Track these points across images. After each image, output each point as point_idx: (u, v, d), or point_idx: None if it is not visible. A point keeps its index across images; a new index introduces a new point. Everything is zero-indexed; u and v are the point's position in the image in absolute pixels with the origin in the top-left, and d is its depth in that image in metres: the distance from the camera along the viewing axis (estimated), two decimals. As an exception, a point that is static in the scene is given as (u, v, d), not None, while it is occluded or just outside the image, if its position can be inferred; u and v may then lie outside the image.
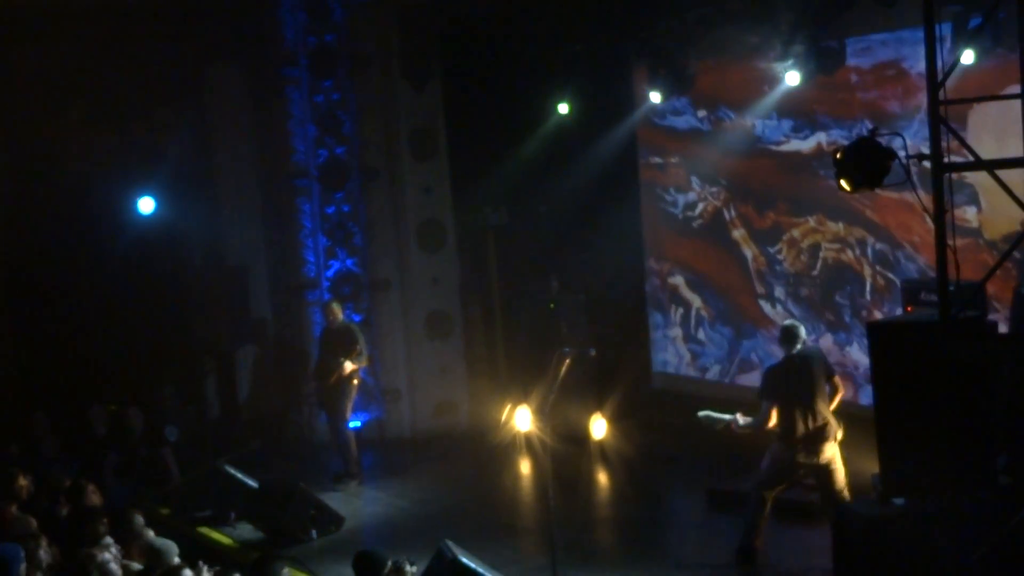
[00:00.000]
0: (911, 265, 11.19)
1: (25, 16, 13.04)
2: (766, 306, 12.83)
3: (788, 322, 9.98)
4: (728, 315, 13.29)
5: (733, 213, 13.10)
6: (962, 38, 9.55)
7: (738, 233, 13.06)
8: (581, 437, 12.98)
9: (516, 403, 13.64)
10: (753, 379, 12.68)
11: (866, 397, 10.97)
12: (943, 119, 7.63)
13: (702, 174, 13.24)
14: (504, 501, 12.19)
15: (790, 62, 11.04)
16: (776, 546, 9.77)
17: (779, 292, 12.68)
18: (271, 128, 14.71)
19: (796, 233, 12.46)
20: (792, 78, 11.23)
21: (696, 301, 13.62)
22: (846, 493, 9.42)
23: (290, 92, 14.50)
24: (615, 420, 13.19)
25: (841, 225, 11.97)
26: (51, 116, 13.89)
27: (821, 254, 12.21)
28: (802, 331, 9.63)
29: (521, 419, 13.52)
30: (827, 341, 12.17)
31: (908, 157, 7.99)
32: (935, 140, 7.61)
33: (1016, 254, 9.16)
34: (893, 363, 7.82)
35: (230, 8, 14.23)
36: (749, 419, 9.58)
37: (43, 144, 14.08)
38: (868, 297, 11.80)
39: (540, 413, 12.87)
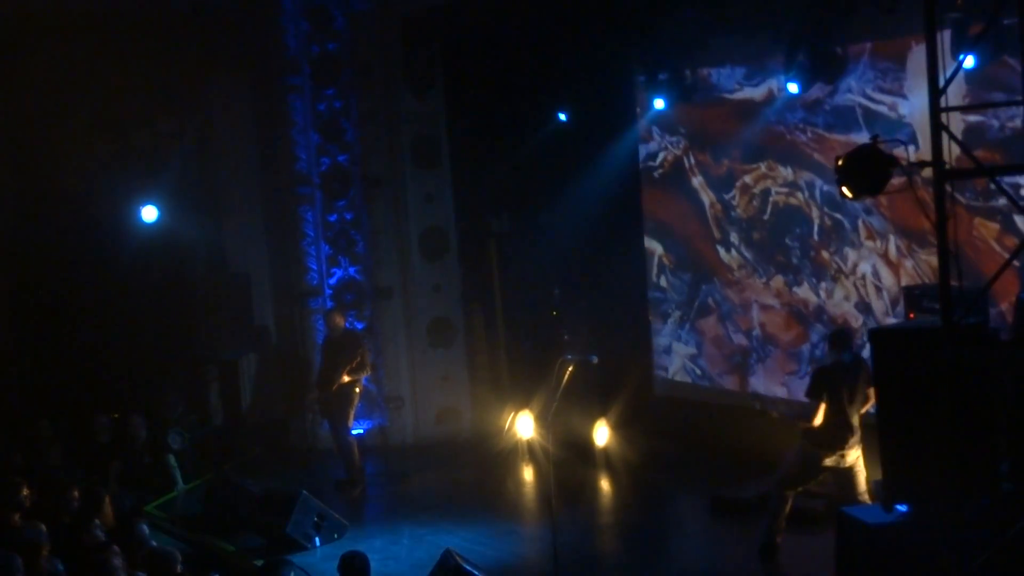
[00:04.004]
0: (858, 205, 11.25)
1: (28, 25, 13.08)
2: (722, 251, 13.05)
3: (841, 326, 10.10)
4: (688, 262, 13.47)
5: (692, 161, 13.26)
6: (963, 45, 9.55)
7: (696, 181, 13.24)
8: (584, 444, 12.99)
9: (518, 410, 13.70)
10: (710, 323, 13.20)
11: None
12: (944, 126, 7.64)
13: (662, 124, 13.31)
14: (507, 508, 12.19)
15: (792, 72, 11.04)
16: (780, 552, 9.77)
17: (734, 237, 12.90)
18: (274, 136, 14.74)
19: (748, 179, 12.65)
20: (792, 88, 11.24)
21: (658, 249, 13.76)
22: (867, 497, 9.49)
23: (293, 100, 14.54)
24: (618, 427, 13.20)
25: (790, 169, 12.17)
26: (54, 125, 13.92)
27: (771, 198, 12.42)
28: (852, 336, 9.89)
29: (523, 426, 13.57)
30: (777, 282, 12.44)
31: (911, 165, 8.02)
32: (936, 147, 7.61)
33: (1016, 262, 9.15)
34: (896, 370, 7.83)
35: (233, 17, 14.26)
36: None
37: (46, 153, 14.11)
38: (816, 238, 12.01)
39: (543, 420, 12.93)
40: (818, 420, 9.56)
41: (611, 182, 13.79)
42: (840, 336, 9.86)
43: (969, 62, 9.26)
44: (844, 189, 8.18)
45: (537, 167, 14.08)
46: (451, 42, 14.17)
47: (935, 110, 7.57)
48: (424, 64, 14.40)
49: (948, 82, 7.66)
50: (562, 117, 13.67)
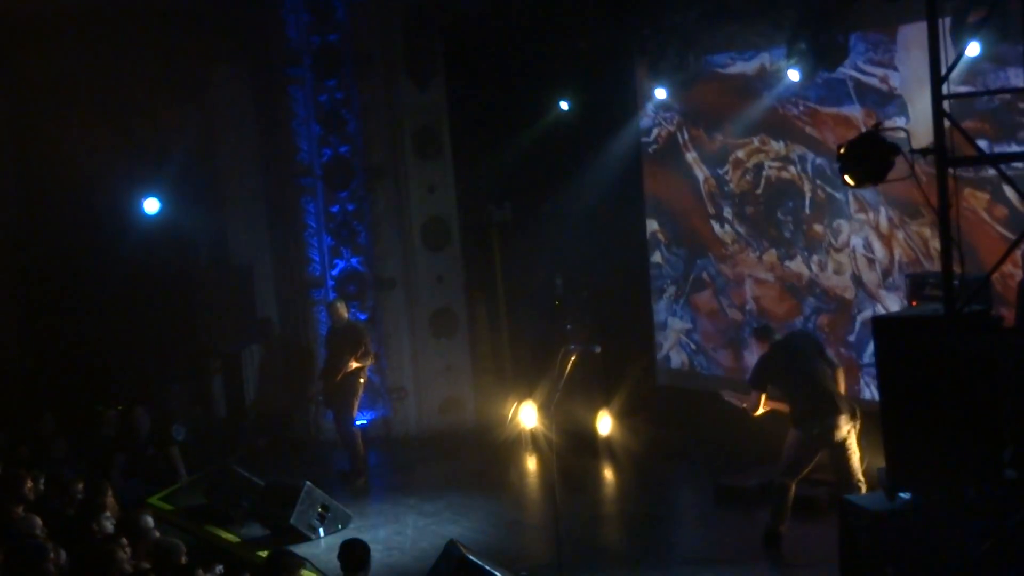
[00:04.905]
0: None
1: (30, 17, 13.06)
2: (716, 226, 13.14)
3: (758, 326, 10.67)
4: (682, 237, 13.56)
5: (686, 136, 13.31)
6: (964, 32, 9.52)
7: (690, 156, 13.30)
8: (587, 434, 12.99)
9: (521, 400, 13.71)
10: (705, 298, 13.32)
11: (872, 392, 11.04)
12: (947, 113, 7.61)
13: (655, 100, 13.33)
14: (511, 498, 12.21)
15: (793, 60, 11.03)
16: (783, 540, 9.78)
17: (727, 212, 12.99)
18: (275, 128, 14.73)
19: (741, 154, 12.73)
20: (793, 75, 11.24)
21: (653, 225, 13.78)
22: (863, 481, 9.53)
23: (294, 91, 14.51)
24: (621, 416, 13.20)
25: (783, 143, 12.25)
26: (56, 117, 13.91)
27: (764, 173, 12.51)
28: (772, 329, 10.35)
29: (527, 416, 13.57)
30: (771, 256, 12.54)
31: (912, 152, 7.99)
32: (938, 135, 7.59)
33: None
34: (899, 358, 7.81)
35: (234, 9, 14.25)
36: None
37: (48, 145, 14.10)
38: (809, 211, 12.09)
39: (546, 410, 12.94)
40: (759, 411, 9.85)
41: (613, 170, 13.79)
42: (758, 333, 10.28)
43: (974, 50, 9.25)
44: (847, 177, 8.16)
45: (539, 156, 14.07)
46: (452, 31, 14.15)
47: (937, 97, 7.54)
48: (425, 54, 14.37)
49: (950, 69, 7.63)
50: (564, 106, 13.65)
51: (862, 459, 9.69)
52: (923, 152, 7.88)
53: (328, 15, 14.41)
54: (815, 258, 12.06)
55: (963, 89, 9.85)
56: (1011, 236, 10.07)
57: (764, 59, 12.15)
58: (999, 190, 10.14)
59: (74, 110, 13.90)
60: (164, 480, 12.64)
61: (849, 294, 11.73)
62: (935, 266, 10.69)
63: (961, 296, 7.57)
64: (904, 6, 9.75)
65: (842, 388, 9.87)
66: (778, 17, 11.09)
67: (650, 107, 13.60)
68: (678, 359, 13.73)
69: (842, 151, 8.20)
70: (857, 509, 8.13)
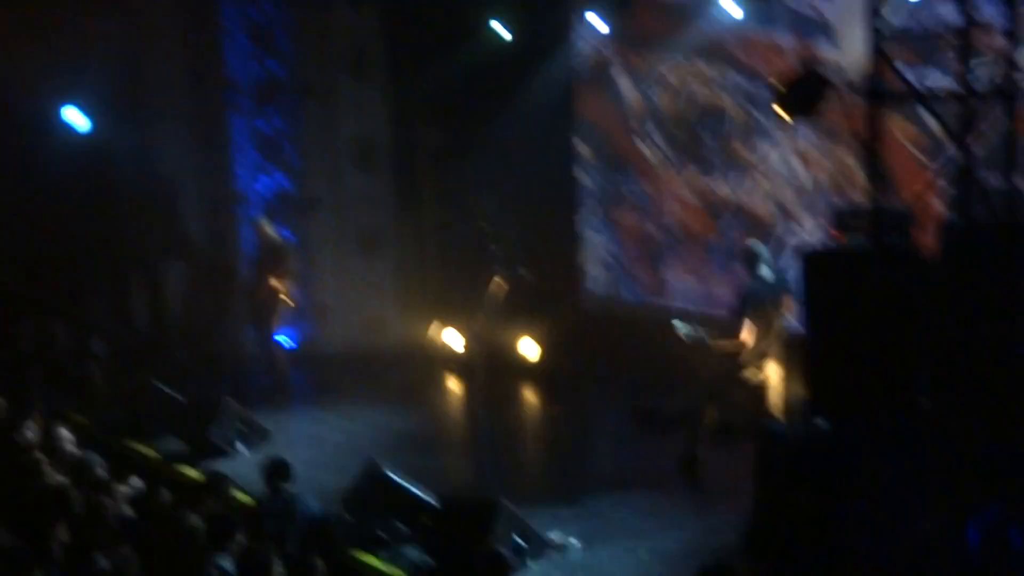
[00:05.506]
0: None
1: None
2: (640, 145, 13.28)
3: (749, 242, 10.25)
4: (606, 155, 13.68)
5: (615, 56, 13.37)
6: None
7: (619, 78, 13.38)
8: (512, 359, 13.06)
9: (447, 323, 13.73)
10: (625, 214, 13.48)
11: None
12: (880, 49, 7.69)
13: (588, 25, 13.34)
14: (433, 419, 12.27)
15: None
16: (700, 464, 9.91)
17: (653, 132, 13.13)
18: (203, 41, 14.45)
19: (672, 76, 12.83)
20: (735, 12, 11.27)
21: (580, 145, 13.91)
22: (779, 412, 9.66)
23: (222, 5, 14.24)
24: (547, 341, 13.27)
25: (713, 67, 12.38)
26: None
27: (692, 93, 12.65)
28: (764, 251, 9.96)
29: (452, 338, 13.61)
30: (692, 174, 12.74)
31: (844, 86, 8.08)
32: (874, 73, 7.67)
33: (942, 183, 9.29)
34: (826, 291, 7.96)
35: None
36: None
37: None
38: (733, 132, 12.29)
39: (471, 333, 12.95)
40: (747, 337, 9.68)
41: (546, 95, 13.72)
42: (747, 254, 10.00)
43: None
44: (779, 109, 8.22)
45: (472, 80, 13.93)
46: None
47: (872, 33, 7.61)
48: (359, -28, 14.17)
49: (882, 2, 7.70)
50: (498, 29, 13.53)
51: (785, 395, 9.80)
52: (854, 89, 7.99)
53: (260, -72, 14.15)
54: (735, 177, 12.19)
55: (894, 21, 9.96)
56: (927, 161, 10.34)
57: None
58: (917, 116, 10.24)
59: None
60: (82, 394, 12.50)
61: (767, 215, 11.88)
62: (854, 190, 10.88)
63: (886, 230, 7.71)
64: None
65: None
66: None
67: (582, 30, 13.56)
68: (599, 276, 13.86)
69: (776, 84, 8.27)
70: (775, 435, 8.29)
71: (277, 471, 8.65)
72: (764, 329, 9.71)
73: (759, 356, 9.70)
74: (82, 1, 13.79)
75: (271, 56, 14.39)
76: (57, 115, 13.32)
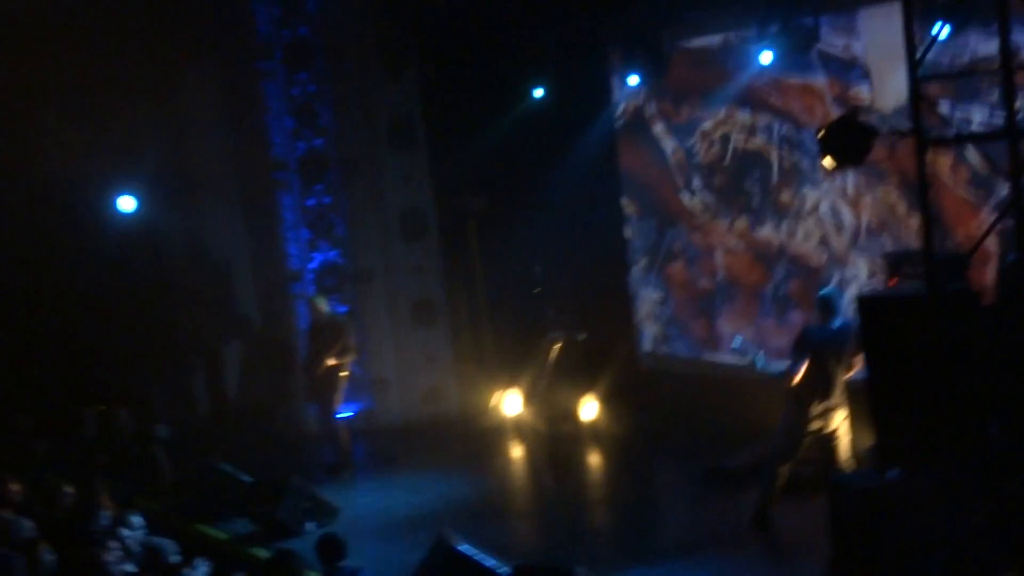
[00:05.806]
0: (814, 145, 11.35)
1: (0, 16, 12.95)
2: (685, 197, 13.31)
3: (825, 291, 10.04)
4: (652, 209, 13.72)
5: (653, 109, 13.43)
6: (932, 10, 9.58)
7: (658, 129, 13.45)
8: (572, 420, 13.03)
9: (505, 388, 13.75)
10: (676, 270, 13.49)
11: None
12: (922, 95, 7.69)
13: (628, 87, 13.42)
14: (497, 487, 12.23)
15: (765, 42, 11.10)
16: (773, 521, 9.83)
17: (696, 183, 13.16)
18: (248, 122, 14.67)
19: (708, 125, 12.92)
20: (766, 57, 11.30)
21: (625, 201, 13.96)
22: (851, 464, 9.54)
23: (266, 86, 14.47)
24: (606, 402, 13.25)
25: (748, 113, 12.44)
26: (27, 116, 13.81)
27: (731, 144, 12.70)
28: (839, 301, 9.80)
29: (511, 404, 13.62)
30: (740, 225, 12.74)
31: (891, 133, 8.08)
32: (916, 116, 7.66)
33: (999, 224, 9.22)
34: (884, 336, 7.90)
35: (204, 3, 14.19)
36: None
37: (19, 144, 13.97)
38: (776, 179, 12.29)
39: (531, 398, 12.99)
40: (799, 378, 9.49)
41: (589, 155, 13.83)
42: (822, 303, 9.73)
43: (944, 32, 9.32)
44: (827, 162, 8.23)
45: (515, 144, 14.05)
46: (425, 21, 14.12)
47: (913, 80, 7.62)
48: (398, 44, 14.37)
49: (926, 51, 7.71)
50: (538, 93, 13.65)
51: (855, 445, 9.67)
52: (900, 134, 7.99)
53: (299, 8, 14.38)
54: (784, 225, 12.17)
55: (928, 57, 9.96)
56: (973, 199, 10.28)
57: (729, 33, 12.19)
58: (961, 152, 10.20)
59: (47, 110, 13.80)
60: (148, 480, 12.60)
61: (819, 260, 11.87)
62: (902, 229, 10.86)
63: (941, 276, 7.66)
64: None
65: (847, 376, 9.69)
66: (749, 1, 11.15)
67: (621, 88, 13.65)
68: (654, 332, 13.83)
69: (821, 135, 8.29)
70: (847, 486, 8.21)
71: (330, 549, 8.58)
72: (821, 372, 9.55)
73: (825, 409, 9.56)
74: (131, 90, 14.04)
75: (315, 132, 14.58)
76: (111, 203, 13.57)
